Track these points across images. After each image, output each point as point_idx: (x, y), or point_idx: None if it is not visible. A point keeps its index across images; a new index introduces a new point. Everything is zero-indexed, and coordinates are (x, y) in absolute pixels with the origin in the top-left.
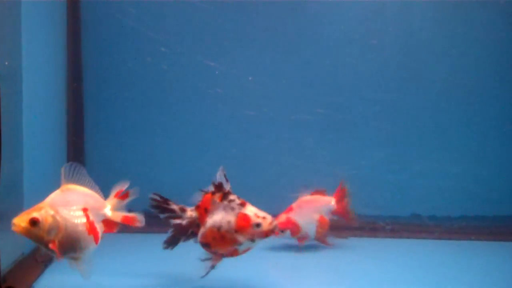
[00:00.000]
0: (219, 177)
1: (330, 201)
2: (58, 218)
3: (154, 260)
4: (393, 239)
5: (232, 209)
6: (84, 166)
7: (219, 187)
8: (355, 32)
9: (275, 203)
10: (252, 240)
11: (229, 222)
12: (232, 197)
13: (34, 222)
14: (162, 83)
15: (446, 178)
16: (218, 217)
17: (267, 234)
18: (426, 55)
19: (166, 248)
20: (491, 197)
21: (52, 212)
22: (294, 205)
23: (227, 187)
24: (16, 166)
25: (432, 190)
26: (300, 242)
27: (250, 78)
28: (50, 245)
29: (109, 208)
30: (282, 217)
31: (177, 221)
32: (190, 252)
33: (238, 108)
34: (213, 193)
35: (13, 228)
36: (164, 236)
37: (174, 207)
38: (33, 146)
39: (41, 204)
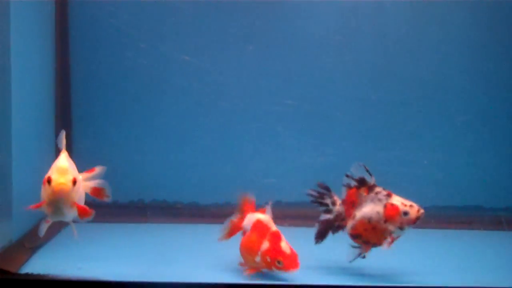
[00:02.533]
0: (356, 171)
1: None
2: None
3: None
4: None
5: (380, 200)
6: (71, 158)
7: (362, 181)
8: (331, 29)
9: (250, 189)
10: (401, 228)
11: (378, 212)
12: (377, 189)
13: (74, 182)
14: (145, 78)
15: (414, 167)
16: (367, 209)
17: (415, 221)
18: (398, 53)
19: (317, 242)
20: (461, 187)
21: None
22: None
23: (371, 180)
24: (4, 158)
25: (399, 179)
26: None
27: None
28: (75, 205)
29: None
30: None
31: (326, 216)
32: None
33: (214, 101)
34: (358, 187)
35: (62, 186)
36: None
37: (328, 201)
38: (22, 139)
39: (62, 165)
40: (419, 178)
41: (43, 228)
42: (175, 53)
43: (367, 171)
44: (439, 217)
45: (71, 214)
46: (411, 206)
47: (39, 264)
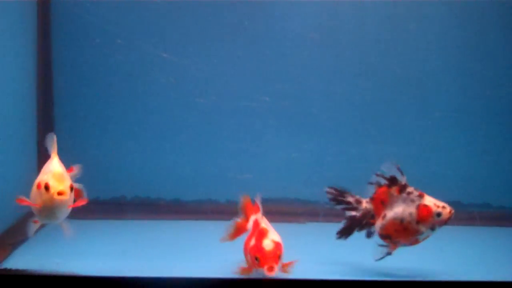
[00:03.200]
0: (389, 169)
1: None
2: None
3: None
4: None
5: (412, 201)
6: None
7: (393, 180)
8: (311, 28)
9: (224, 186)
10: (433, 229)
11: (411, 213)
12: (410, 189)
13: (71, 189)
14: (126, 76)
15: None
16: (399, 210)
17: (446, 222)
18: (378, 52)
19: (339, 238)
20: (438, 183)
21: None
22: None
23: (402, 180)
24: None
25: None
26: None
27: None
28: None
29: None
30: None
31: (352, 213)
32: None
33: (194, 98)
34: (389, 186)
35: (62, 196)
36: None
37: (350, 199)
38: (3, 138)
39: (58, 170)
40: None
41: (32, 228)
42: (156, 51)
43: (399, 170)
44: None
45: (64, 216)
46: (443, 207)
47: (19, 261)
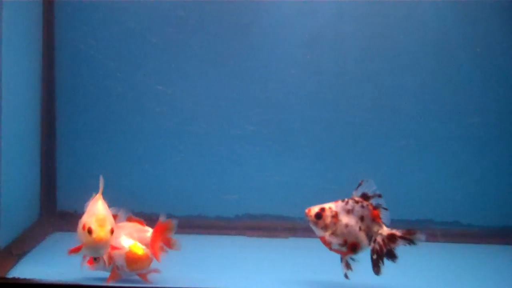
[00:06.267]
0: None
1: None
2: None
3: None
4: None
5: None
6: (55, 170)
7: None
8: (295, 55)
9: (215, 207)
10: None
11: None
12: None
13: (112, 232)
14: (125, 96)
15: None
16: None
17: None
18: (357, 79)
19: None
20: (411, 201)
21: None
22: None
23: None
24: None
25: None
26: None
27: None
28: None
29: None
30: None
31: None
32: None
33: (181, 123)
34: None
35: (102, 241)
36: None
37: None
38: (9, 147)
39: (101, 214)
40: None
41: (83, 263)
42: (150, 82)
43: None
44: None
45: (104, 252)
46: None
47: (24, 270)
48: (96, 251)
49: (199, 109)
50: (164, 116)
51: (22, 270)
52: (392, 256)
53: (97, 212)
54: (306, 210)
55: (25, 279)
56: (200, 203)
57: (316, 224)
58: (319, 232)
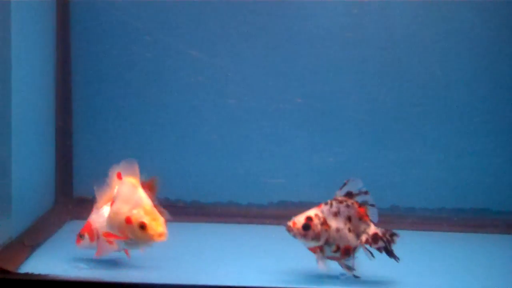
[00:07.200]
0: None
1: None
2: None
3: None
4: None
5: None
6: (71, 152)
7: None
8: (336, 28)
9: (255, 191)
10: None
11: None
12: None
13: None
14: (148, 74)
15: (422, 168)
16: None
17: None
18: (407, 51)
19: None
20: (468, 189)
21: None
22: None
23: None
24: (4, 154)
25: (407, 180)
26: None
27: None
28: None
29: None
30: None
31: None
32: None
33: (220, 98)
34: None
35: (162, 238)
36: None
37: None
38: (21, 134)
39: (150, 206)
40: (427, 179)
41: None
42: (180, 48)
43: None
44: (448, 220)
45: None
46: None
47: (39, 263)
48: (142, 246)
49: (236, 81)
50: (196, 87)
51: (36, 264)
52: (390, 254)
53: (143, 202)
54: (290, 224)
55: (39, 274)
56: (232, 189)
57: (305, 236)
58: (309, 244)
